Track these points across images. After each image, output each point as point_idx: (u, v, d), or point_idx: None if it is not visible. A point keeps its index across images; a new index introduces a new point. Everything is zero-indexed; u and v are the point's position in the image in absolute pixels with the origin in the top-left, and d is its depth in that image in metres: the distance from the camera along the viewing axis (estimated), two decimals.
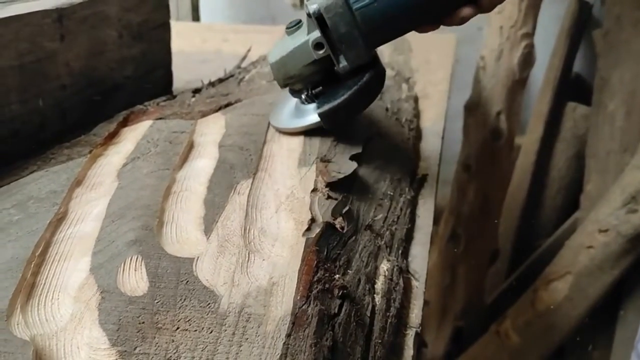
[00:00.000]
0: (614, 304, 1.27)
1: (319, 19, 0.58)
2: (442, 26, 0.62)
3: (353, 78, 0.61)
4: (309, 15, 0.59)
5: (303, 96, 0.64)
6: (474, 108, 1.39)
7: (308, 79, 0.63)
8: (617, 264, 1.22)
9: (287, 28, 0.63)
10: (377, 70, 0.62)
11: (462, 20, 0.59)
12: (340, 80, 0.62)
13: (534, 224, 1.52)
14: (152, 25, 0.83)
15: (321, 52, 0.60)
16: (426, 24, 0.61)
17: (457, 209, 1.40)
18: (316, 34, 0.59)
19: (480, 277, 1.42)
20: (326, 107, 0.61)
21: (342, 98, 0.60)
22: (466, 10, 0.59)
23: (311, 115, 0.63)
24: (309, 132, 0.64)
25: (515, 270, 1.48)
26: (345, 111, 0.61)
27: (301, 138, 0.63)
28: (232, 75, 0.87)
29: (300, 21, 0.63)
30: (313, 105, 0.64)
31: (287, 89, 0.67)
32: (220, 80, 0.85)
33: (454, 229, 1.39)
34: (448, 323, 1.39)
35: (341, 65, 0.60)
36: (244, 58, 1.02)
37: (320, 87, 0.63)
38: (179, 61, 0.90)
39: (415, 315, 0.49)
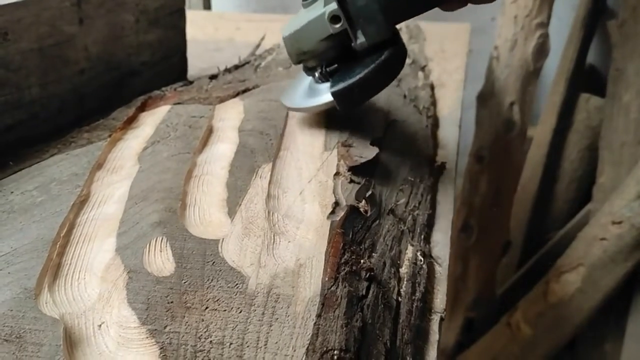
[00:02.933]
0: (627, 296, 1.27)
1: None
2: (469, 4, 0.57)
3: (371, 56, 0.56)
4: None
5: (317, 74, 0.60)
6: (487, 99, 1.38)
7: (323, 55, 0.59)
8: (630, 256, 1.21)
9: (303, 0, 0.59)
10: (397, 49, 0.56)
11: None
12: (357, 58, 0.57)
13: (546, 215, 1.51)
14: (168, 11, 0.83)
15: (338, 26, 0.55)
16: None
17: (469, 199, 1.39)
18: (333, 5, 0.55)
19: (491, 268, 1.41)
20: (340, 85, 0.56)
21: (358, 77, 0.55)
22: None
23: (325, 95, 0.58)
24: (329, 116, 0.63)
25: (526, 262, 1.48)
26: (360, 91, 0.56)
27: (321, 122, 0.63)
28: (248, 62, 0.86)
29: None
30: (327, 85, 0.59)
31: (302, 67, 0.63)
32: (237, 67, 0.84)
33: (466, 220, 1.38)
34: (459, 314, 1.39)
35: (359, 42, 0.55)
36: (258, 45, 1.01)
37: (336, 65, 0.58)
38: (193, 49, 0.90)
39: (440, 300, 0.49)
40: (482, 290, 1.39)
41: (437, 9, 0.57)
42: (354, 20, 0.55)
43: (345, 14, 0.54)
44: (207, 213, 0.48)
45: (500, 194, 1.39)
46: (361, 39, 0.55)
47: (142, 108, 0.69)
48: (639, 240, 1.19)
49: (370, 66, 0.55)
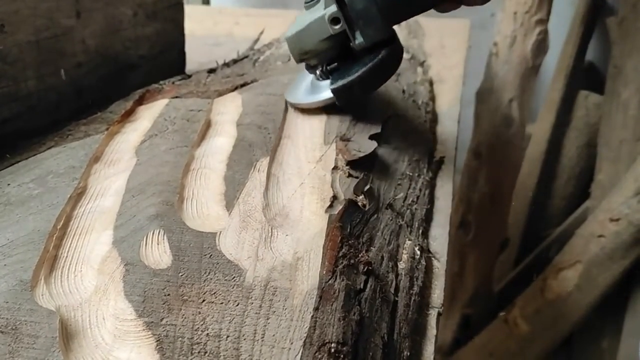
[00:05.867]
0: (624, 293, 1.27)
1: None
2: (462, 6, 0.60)
3: (369, 55, 0.59)
4: None
5: (318, 72, 0.64)
6: (486, 95, 1.38)
7: (323, 54, 0.62)
8: (628, 253, 1.22)
9: (305, 2, 0.63)
10: (394, 48, 0.60)
11: None
12: (356, 56, 0.61)
13: (544, 212, 1.51)
14: (166, 5, 0.82)
15: (337, 27, 0.59)
16: (448, 0, 0.58)
17: (467, 196, 1.39)
18: (332, 8, 0.58)
19: (489, 265, 1.41)
20: (339, 83, 0.60)
21: (356, 74, 0.59)
22: None
23: (325, 92, 0.62)
24: (328, 111, 0.63)
25: (524, 259, 1.48)
26: (359, 88, 0.60)
27: (320, 117, 0.63)
28: (246, 56, 0.86)
29: None
30: (327, 82, 0.63)
31: (304, 65, 0.66)
32: (235, 61, 0.84)
33: (464, 217, 1.38)
34: (456, 310, 1.39)
35: (357, 42, 0.59)
36: (257, 40, 1.01)
37: (335, 64, 0.62)
38: (191, 44, 0.90)
39: (437, 295, 0.49)
40: (479, 287, 1.39)
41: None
42: (353, 21, 0.58)
43: (345, 16, 0.58)
44: (204, 206, 0.48)
45: (499, 190, 1.38)
46: (359, 39, 0.58)
47: (140, 101, 0.68)
48: (637, 237, 1.19)
49: (368, 64, 0.58)
